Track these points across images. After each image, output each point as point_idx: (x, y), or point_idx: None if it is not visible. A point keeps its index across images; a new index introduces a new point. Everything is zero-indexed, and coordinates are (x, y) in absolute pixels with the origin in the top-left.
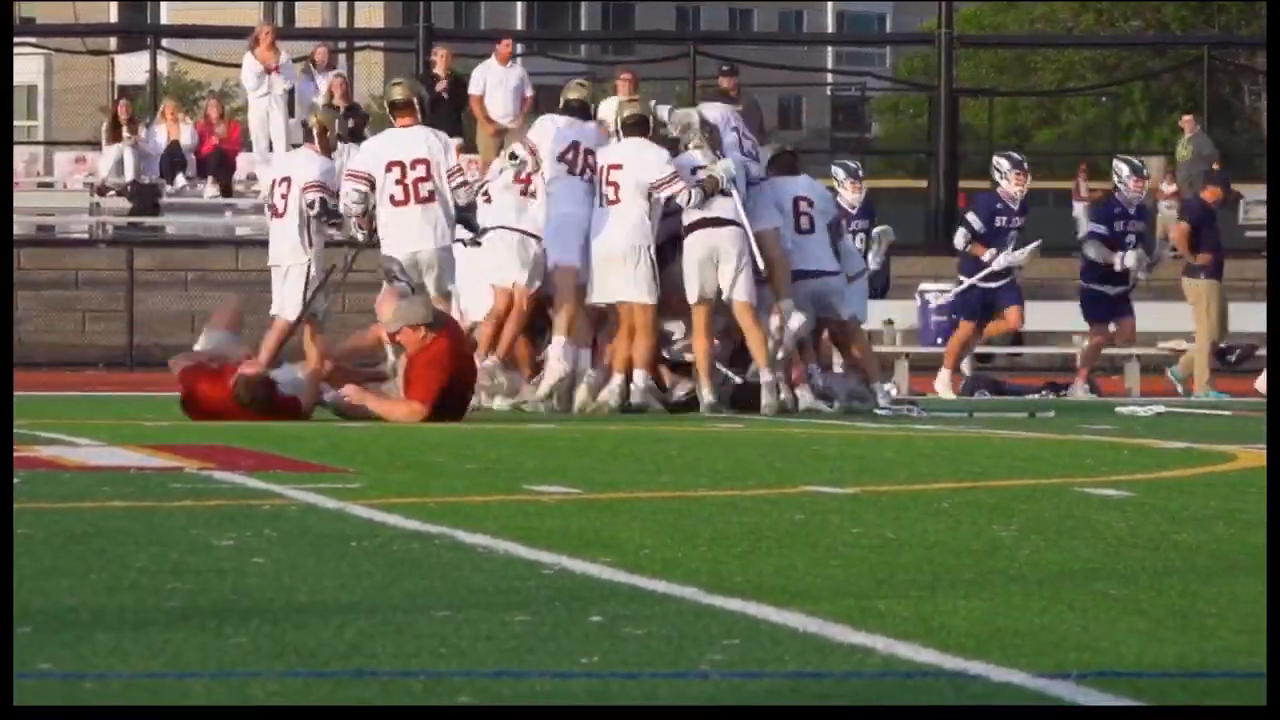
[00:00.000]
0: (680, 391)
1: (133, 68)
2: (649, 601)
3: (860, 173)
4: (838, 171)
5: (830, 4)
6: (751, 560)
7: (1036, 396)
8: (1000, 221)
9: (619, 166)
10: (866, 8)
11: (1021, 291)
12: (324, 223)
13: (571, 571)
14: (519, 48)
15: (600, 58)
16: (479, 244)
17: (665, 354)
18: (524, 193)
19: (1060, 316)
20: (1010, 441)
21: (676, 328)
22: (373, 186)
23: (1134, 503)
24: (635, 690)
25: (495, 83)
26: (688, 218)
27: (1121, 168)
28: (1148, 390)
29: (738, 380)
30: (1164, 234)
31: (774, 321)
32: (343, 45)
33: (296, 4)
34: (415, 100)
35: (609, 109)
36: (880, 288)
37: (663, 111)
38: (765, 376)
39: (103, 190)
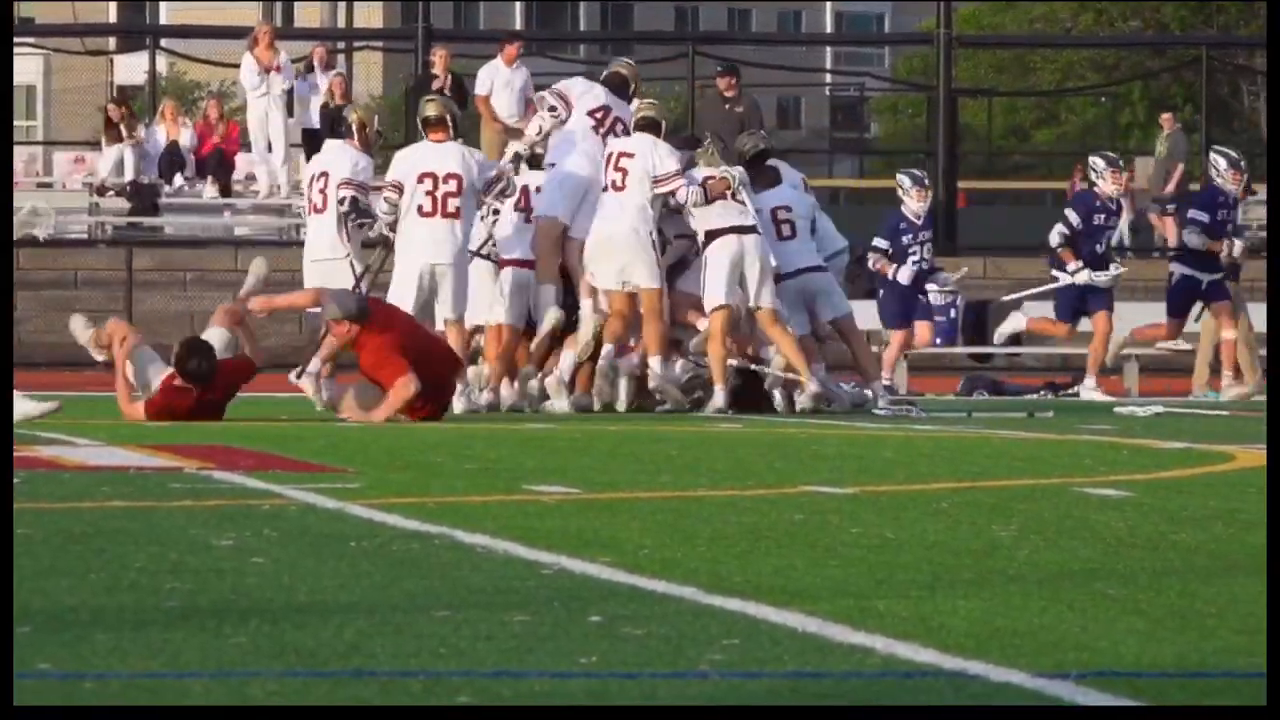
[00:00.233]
0: (678, 368)
1: (131, 68)
2: (648, 601)
3: (926, 181)
4: (903, 179)
5: (829, 4)
6: (751, 560)
7: (1035, 396)
8: (1098, 220)
9: (630, 155)
10: (865, 8)
11: (1112, 296)
12: (354, 221)
13: (571, 571)
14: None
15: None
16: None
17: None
18: (528, 220)
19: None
20: (1009, 441)
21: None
22: (402, 195)
23: (1133, 503)
24: (634, 690)
25: (502, 83)
26: (711, 224)
27: (1220, 160)
28: (1147, 390)
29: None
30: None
31: (778, 361)
32: (341, 45)
33: (295, 4)
34: (448, 117)
35: None
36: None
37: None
38: (813, 386)
39: (102, 190)
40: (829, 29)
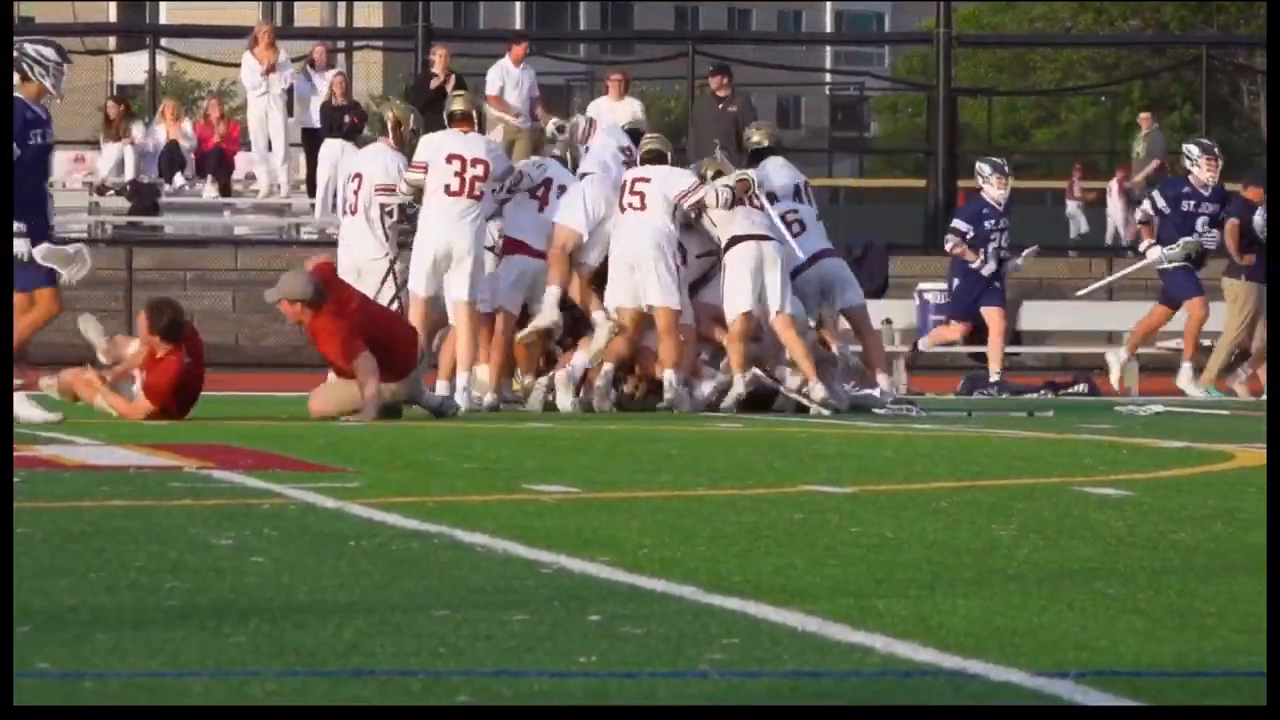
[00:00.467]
0: (706, 388)
1: (131, 67)
2: (648, 601)
3: (1006, 168)
4: (983, 167)
5: (829, 4)
6: (750, 559)
7: (1035, 396)
8: (1187, 206)
9: (646, 180)
10: (865, 7)
11: (1201, 283)
12: (397, 225)
13: (570, 571)
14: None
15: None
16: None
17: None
18: (541, 210)
19: (1059, 316)
20: (1009, 441)
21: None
22: (426, 174)
23: (1132, 502)
24: (634, 689)
25: (512, 83)
26: (730, 231)
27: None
28: (1146, 390)
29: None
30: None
31: (793, 382)
32: (341, 45)
33: (295, 3)
34: (475, 112)
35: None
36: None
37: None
38: (818, 393)
39: (102, 190)
40: (829, 28)
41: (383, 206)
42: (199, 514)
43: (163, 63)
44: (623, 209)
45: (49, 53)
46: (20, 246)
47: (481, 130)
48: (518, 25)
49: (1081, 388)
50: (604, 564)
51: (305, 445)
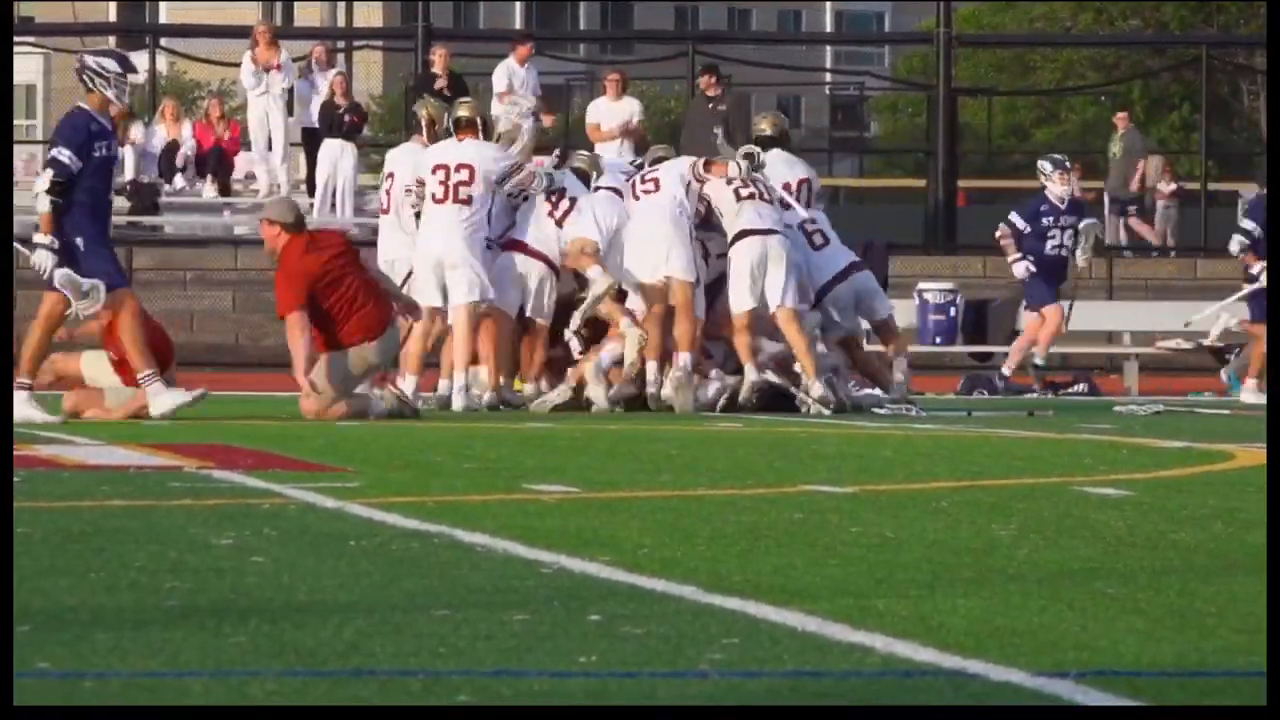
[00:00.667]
0: (711, 389)
1: None
2: (648, 600)
3: (1068, 164)
4: (1044, 165)
5: (829, 3)
6: (750, 559)
7: (1035, 396)
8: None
9: (656, 169)
10: (865, 7)
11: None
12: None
13: (570, 570)
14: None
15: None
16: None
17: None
18: (551, 214)
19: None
20: (1009, 441)
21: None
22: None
23: (1132, 502)
24: (634, 689)
25: (518, 83)
26: (737, 226)
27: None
28: (1146, 389)
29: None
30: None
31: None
32: (341, 44)
33: (295, 3)
34: (479, 119)
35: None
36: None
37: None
38: (816, 390)
39: None
40: (829, 28)
41: (413, 207)
42: (199, 514)
43: (163, 62)
44: (636, 198)
45: (110, 64)
46: (45, 261)
47: (487, 135)
48: (518, 25)
49: (1081, 387)
50: (604, 564)
51: (305, 445)
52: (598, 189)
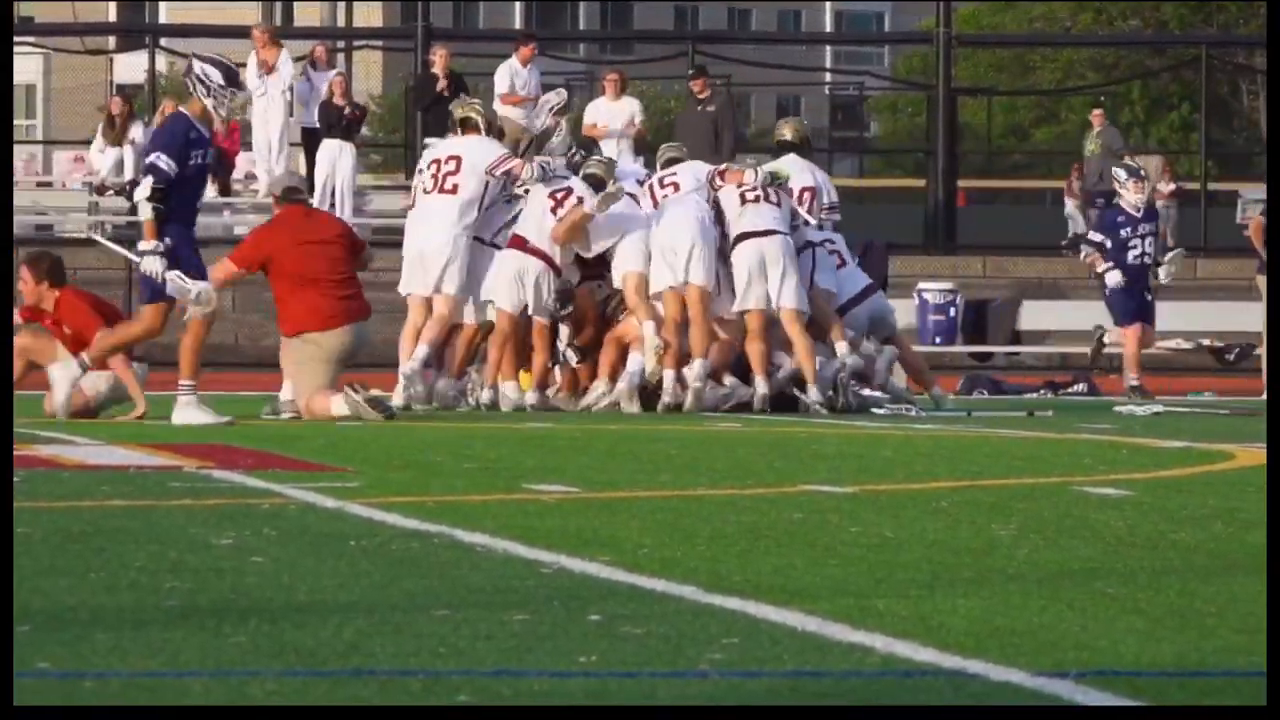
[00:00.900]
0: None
1: (131, 67)
2: (648, 600)
3: (1143, 172)
4: (1119, 173)
5: (828, 3)
6: (750, 559)
7: (1035, 396)
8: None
9: (673, 173)
10: (865, 7)
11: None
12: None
13: (570, 570)
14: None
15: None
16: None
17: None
18: (553, 209)
19: (1057, 316)
20: (1009, 441)
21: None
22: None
23: (1132, 502)
24: (634, 689)
25: (520, 84)
26: (735, 230)
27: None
28: (1146, 389)
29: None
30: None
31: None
32: (341, 44)
33: (295, 3)
34: (479, 119)
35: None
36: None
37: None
38: (812, 394)
39: (101, 189)
40: (828, 28)
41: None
42: (199, 514)
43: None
44: (656, 203)
45: (215, 75)
46: (156, 267)
47: (490, 133)
48: (517, 25)
49: (1081, 387)
50: (604, 564)
51: (305, 445)
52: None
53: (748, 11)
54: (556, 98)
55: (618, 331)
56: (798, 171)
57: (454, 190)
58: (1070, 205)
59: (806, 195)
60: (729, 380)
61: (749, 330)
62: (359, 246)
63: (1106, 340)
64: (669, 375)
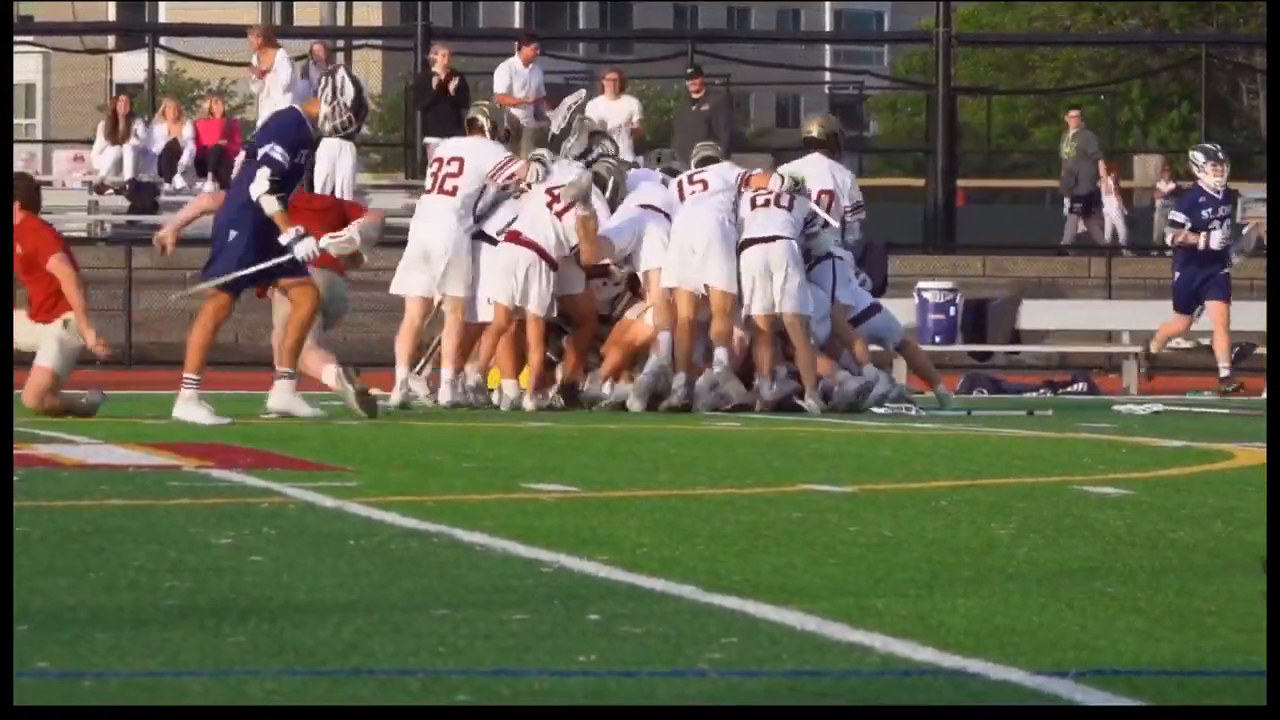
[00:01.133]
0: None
1: (131, 66)
2: (647, 600)
3: (1221, 155)
4: (1197, 156)
5: (828, 3)
6: (749, 558)
7: (1035, 395)
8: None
9: (704, 170)
10: (864, 6)
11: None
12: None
13: (569, 570)
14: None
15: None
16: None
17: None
18: (549, 204)
19: (1057, 315)
20: (1008, 440)
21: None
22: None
23: (1132, 501)
24: (633, 689)
25: (520, 84)
26: (744, 234)
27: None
28: (1146, 389)
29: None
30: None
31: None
32: (341, 44)
33: (295, 3)
34: (484, 121)
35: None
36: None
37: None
38: (810, 404)
39: (101, 189)
40: (828, 27)
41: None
42: (198, 513)
43: (162, 62)
44: (683, 198)
45: (349, 92)
46: (309, 249)
47: (495, 135)
48: (517, 24)
49: (1080, 386)
50: (603, 563)
51: (304, 444)
52: (642, 205)
53: (747, 11)
54: (574, 99)
55: (628, 335)
56: (818, 174)
57: (453, 192)
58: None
59: (825, 198)
60: (734, 385)
61: (757, 334)
62: (348, 216)
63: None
64: (679, 378)
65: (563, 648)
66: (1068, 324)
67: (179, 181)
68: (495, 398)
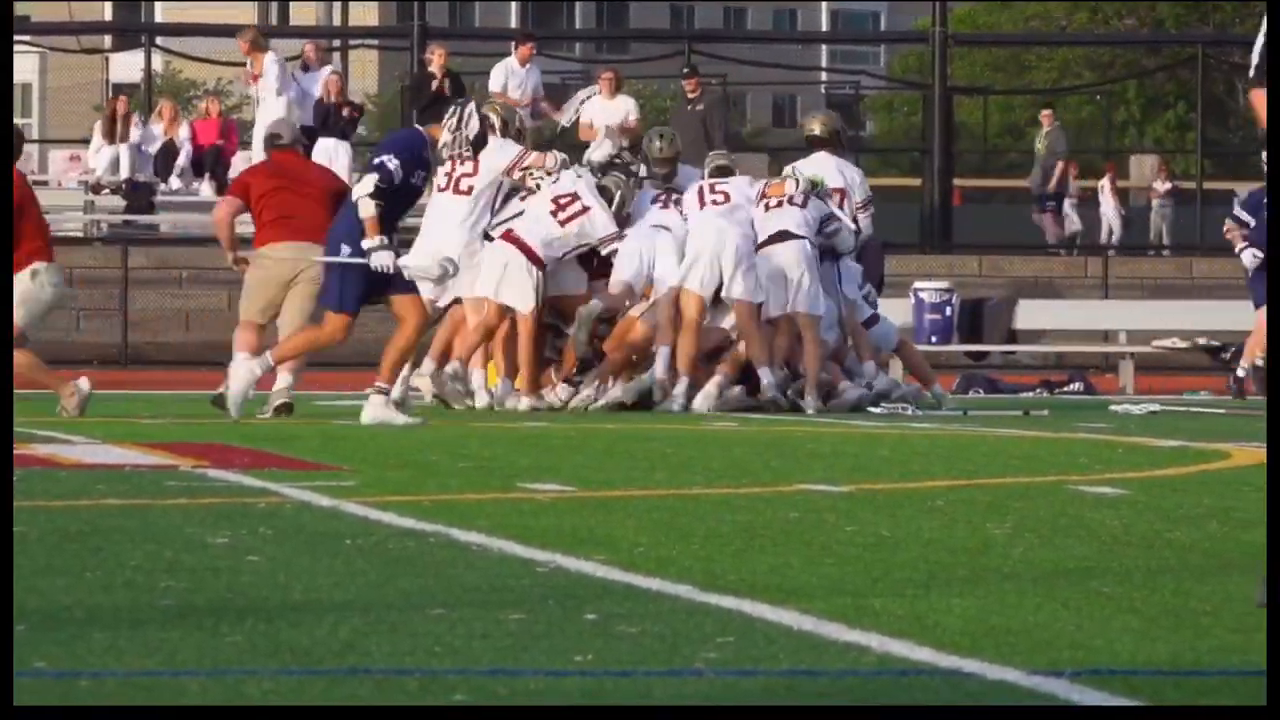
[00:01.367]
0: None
1: (127, 66)
2: (643, 599)
3: None
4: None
5: (824, 3)
6: (746, 558)
7: (1031, 395)
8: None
9: (725, 182)
10: (861, 6)
11: None
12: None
13: (566, 569)
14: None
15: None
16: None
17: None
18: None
19: (1054, 315)
20: (1005, 440)
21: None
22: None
23: (1128, 501)
24: (630, 688)
25: (516, 84)
26: (760, 236)
27: None
28: (1142, 388)
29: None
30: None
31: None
32: (337, 43)
33: (291, 3)
34: (495, 120)
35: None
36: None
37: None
38: (809, 403)
39: (97, 188)
40: (824, 27)
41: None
42: (195, 513)
43: (158, 62)
44: (702, 206)
45: (472, 126)
46: (386, 260)
47: (506, 133)
48: (513, 24)
49: (1077, 386)
50: (599, 563)
51: (301, 444)
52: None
53: (743, 11)
54: (587, 93)
55: (629, 335)
56: (827, 172)
57: (468, 191)
58: (1066, 204)
59: (836, 196)
60: (737, 388)
61: (748, 331)
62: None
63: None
64: (682, 382)
65: (559, 647)
66: (1064, 324)
67: (175, 182)
68: (483, 396)
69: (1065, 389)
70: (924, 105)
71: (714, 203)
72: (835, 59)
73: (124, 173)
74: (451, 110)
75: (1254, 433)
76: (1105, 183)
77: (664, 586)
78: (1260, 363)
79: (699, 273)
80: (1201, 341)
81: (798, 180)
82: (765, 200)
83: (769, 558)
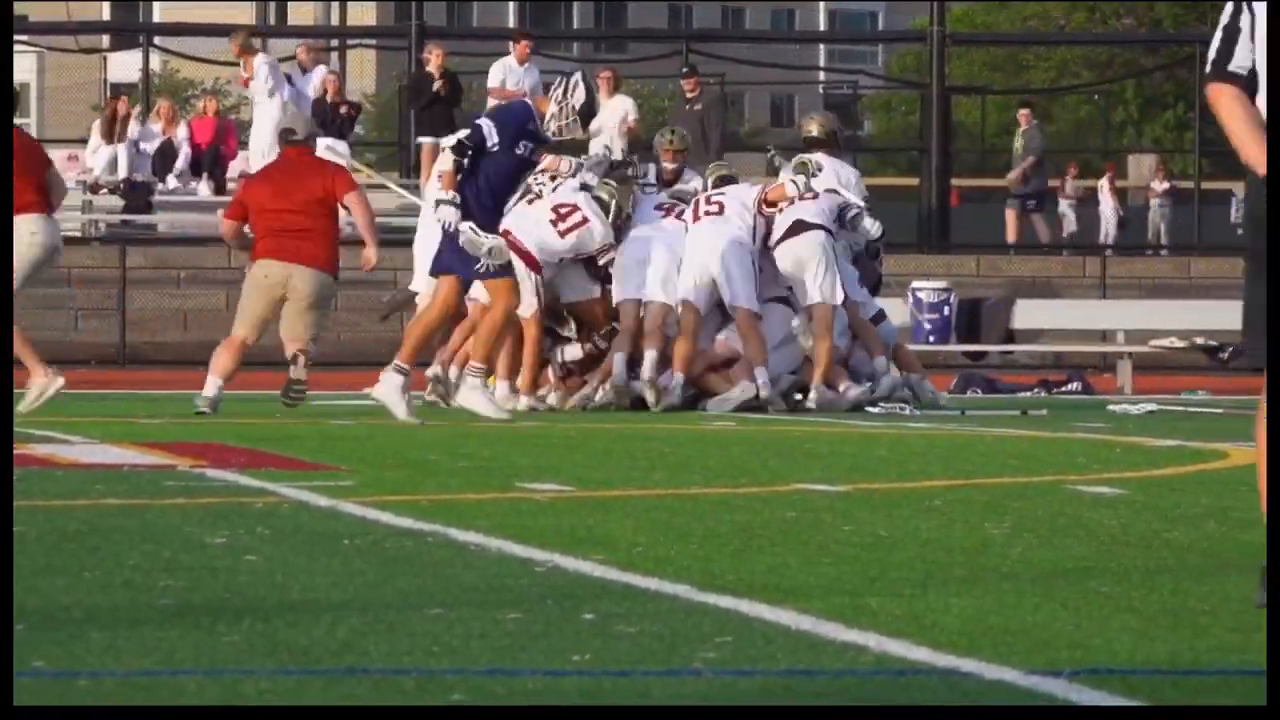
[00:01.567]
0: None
1: (125, 66)
2: (641, 599)
3: None
4: None
5: (822, 2)
6: (744, 558)
7: (1029, 395)
8: None
9: (722, 192)
10: (858, 6)
11: None
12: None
13: (564, 569)
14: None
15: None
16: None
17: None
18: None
19: (1051, 315)
20: (1003, 439)
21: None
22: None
23: (1126, 501)
24: (628, 688)
25: (514, 82)
26: (776, 232)
27: None
28: (1140, 388)
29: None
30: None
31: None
32: (335, 43)
33: (289, 2)
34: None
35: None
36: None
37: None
38: (812, 394)
39: (95, 188)
40: (822, 27)
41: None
42: (193, 513)
43: (156, 61)
44: (698, 218)
45: (579, 97)
46: (449, 216)
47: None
48: (511, 23)
49: (1075, 386)
50: (598, 562)
51: (299, 444)
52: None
53: (741, 10)
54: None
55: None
56: (823, 173)
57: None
58: (1064, 204)
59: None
60: (739, 388)
61: (746, 330)
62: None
63: None
64: (679, 378)
65: (557, 647)
66: (1062, 324)
67: (173, 181)
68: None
69: (1063, 389)
70: (921, 105)
71: (708, 214)
72: (833, 59)
73: (122, 172)
74: (558, 81)
75: (1252, 433)
76: (1104, 182)
77: (662, 586)
78: None
79: (687, 281)
80: (1199, 341)
81: (795, 183)
82: (768, 204)
83: (767, 557)
